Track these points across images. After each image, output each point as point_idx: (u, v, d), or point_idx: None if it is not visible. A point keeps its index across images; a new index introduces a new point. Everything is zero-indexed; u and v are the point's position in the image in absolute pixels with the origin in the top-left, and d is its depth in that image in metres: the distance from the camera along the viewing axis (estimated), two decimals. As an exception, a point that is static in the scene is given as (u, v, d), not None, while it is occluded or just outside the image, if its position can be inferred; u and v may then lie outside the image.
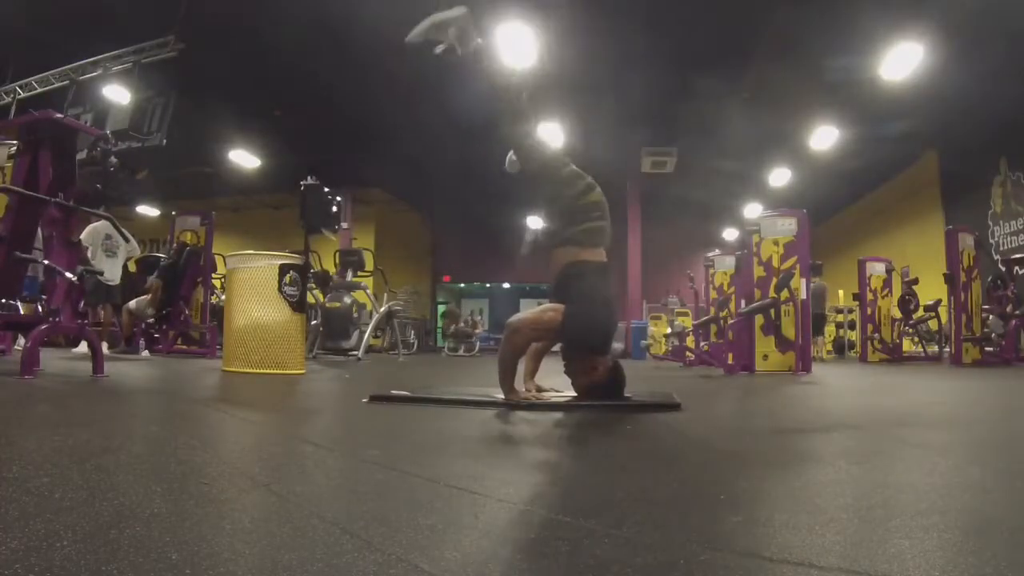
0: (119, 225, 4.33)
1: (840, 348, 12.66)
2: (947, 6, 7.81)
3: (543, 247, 2.77)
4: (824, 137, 11.65)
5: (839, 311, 13.01)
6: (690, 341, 8.91)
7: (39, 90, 10.14)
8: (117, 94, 10.16)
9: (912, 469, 1.44)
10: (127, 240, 4.82)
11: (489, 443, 1.77)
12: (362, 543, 0.78)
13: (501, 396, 2.53)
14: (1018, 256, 8.64)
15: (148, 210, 17.08)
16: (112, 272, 6.93)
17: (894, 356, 9.29)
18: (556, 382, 2.92)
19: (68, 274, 3.43)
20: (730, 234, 17.60)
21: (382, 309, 8.45)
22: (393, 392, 2.74)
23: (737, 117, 10.77)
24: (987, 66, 8.66)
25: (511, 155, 2.90)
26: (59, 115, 3.65)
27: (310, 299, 7.14)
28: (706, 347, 8.10)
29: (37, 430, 1.76)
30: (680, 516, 0.99)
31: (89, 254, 6.66)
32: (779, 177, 14.02)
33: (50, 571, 0.66)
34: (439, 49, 2.57)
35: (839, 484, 1.26)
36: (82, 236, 6.52)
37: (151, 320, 7.28)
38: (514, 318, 2.54)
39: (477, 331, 14.12)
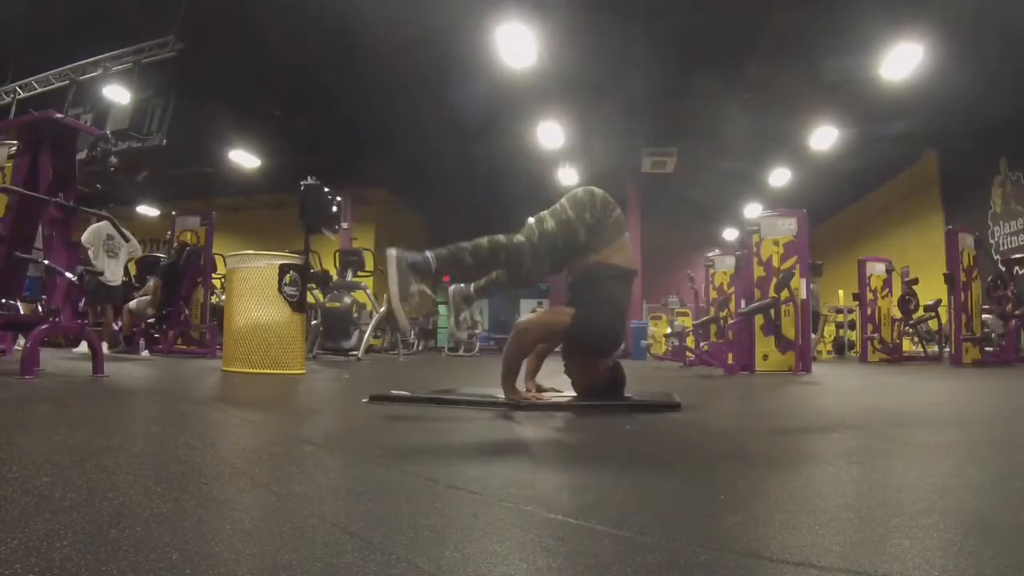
0: (119, 225, 4.33)
1: (840, 348, 12.66)
2: (947, 6, 7.82)
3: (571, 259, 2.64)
4: (824, 137, 11.65)
5: (839, 311, 13.01)
6: (690, 341, 8.91)
7: (39, 90, 10.14)
8: (117, 94, 10.15)
9: (912, 469, 1.44)
10: (127, 240, 4.82)
11: (489, 443, 1.77)
12: (362, 543, 0.78)
13: (501, 396, 2.53)
14: (1018, 256, 8.64)
15: (148, 210, 17.08)
16: (113, 272, 6.93)
17: (894, 356, 9.29)
18: (556, 382, 2.92)
19: (68, 274, 3.43)
20: (730, 234, 17.60)
21: (382, 309, 8.45)
22: (393, 392, 2.73)
23: (737, 117, 10.78)
24: (987, 66, 8.66)
25: (454, 321, 2.84)
26: (59, 115, 3.65)
27: (310, 299, 7.14)
28: (706, 347, 8.10)
29: (37, 430, 1.76)
30: (680, 516, 0.99)
31: (91, 254, 6.67)
32: (779, 177, 14.02)
33: (50, 571, 0.66)
34: (416, 301, 2.39)
35: (839, 484, 1.26)
36: (83, 237, 6.54)
37: (151, 320, 7.28)
38: (523, 320, 2.54)
39: (477, 331, 14.13)
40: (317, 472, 1.29)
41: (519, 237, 2.48)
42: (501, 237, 2.46)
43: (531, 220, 2.52)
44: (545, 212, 2.56)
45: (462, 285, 2.91)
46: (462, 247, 2.43)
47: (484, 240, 2.44)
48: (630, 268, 2.57)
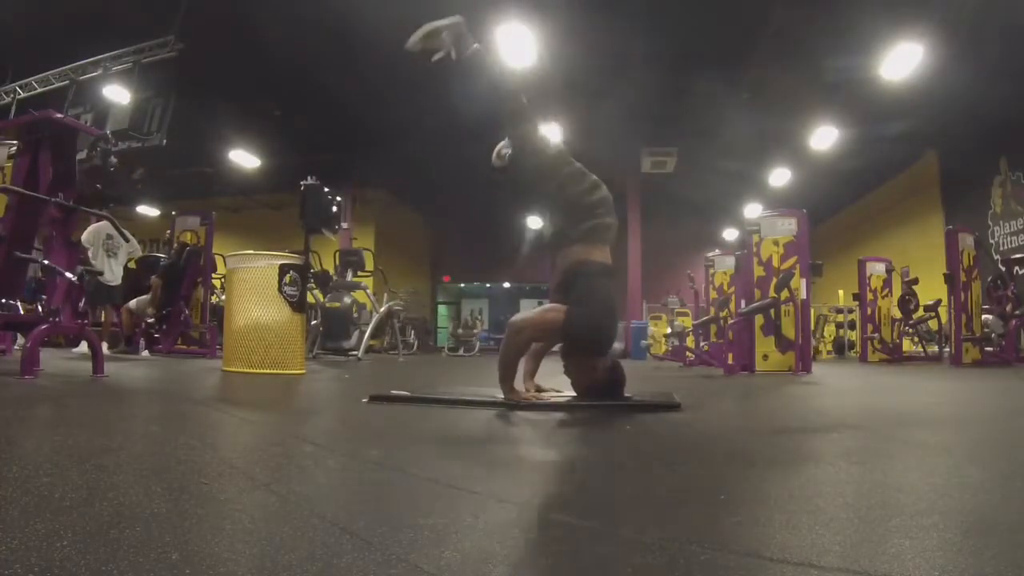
0: (119, 225, 4.33)
1: (840, 348, 12.66)
2: (947, 6, 7.81)
3: (548, 246, 2.75)
4: (824, 137, 11.64)
5: (839, 311, 13.01)
6: (690, 341, 8.91)
7: (39, 90, 10.14)
8: (117, 94, 10.15)
9: (912, 469, 1.44)
10: (127, 240, 4.82)
11: (489, 443, 1.77)
12: (362, 543, 0.78)
13: (501, 396, 2.53)
14: (1018, 256, 8.64)
15: (148, 210, 17.08)
16: (113, 272, 6.94)
17: (894, 356, 9.29)
18: (556, 382, 2.92)
19: (68, 274, 3.43)
20: (730, 234, 17.60)
21: (382, 309, 8.45)
22: (393, 392, 2.73)
23: (737, 117, 10.77)
24: (987, 66, 8.66)
25: (499, 149, 2.89)
26: (59, 115, 3.65)
27: (310, 299, 7.14)
28: (706, 347, 8.11)
29: (37, 430, 1.76)
30: (680, 516, 0.99)
31: (90, 254, 6.67)
32: (779, 177, 14.02)
33: (50, 571, 0.66)
34: (436, 57, 2.58)
35: (839, 484, 1.26)
36: (83, 237, 6.54)
37: (151, 320, 7.28)
38: (516, 318, 2.54)
39: (476, 331, 14.13)
40: (317, 472, 1.29)
41: (533, 123, 2.66)
42: (524, 98, 2.63)
43: (546, 136, 2.68)
44: (560, 147, 2.72)
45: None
46: (500, 67, 2.74)
47: (514, 85, 2.68)
48: (611, 265, 2.62)
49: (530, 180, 2.70)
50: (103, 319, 7.01)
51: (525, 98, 2.61)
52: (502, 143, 2.87)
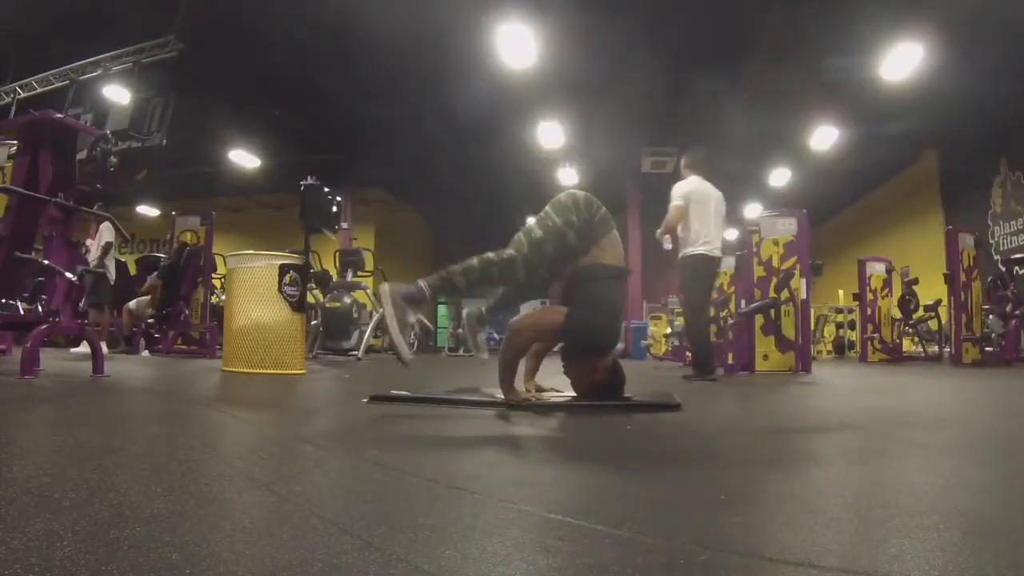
0: (119, 225, 4.33)
1: (840, 348, 12.66)
2: (947, 6, 7.81)
3: (562, 262, 2.64)
4: (824, 137, 11.65)
5: (839, 311, 13.01)
6: (690, 341, 8.90)
7: (39, 90, 10.14)
8: (117, 94, 10.16)
9: (912, 469, 1.44)
10: (127, 241, 4.83)
11: (489, 443, 1.77)
12: (362, 543, 0.78)
13: (501, 396, 2.53)
14: (1018, 256, 8.64)
15: (148, 210, 17.08)
16: (111, 272, 6.95)
17: (894, 356, 9.29)
18: (556, 382, 2.92)
19: (68, 274, 3.43)
20: (730, 234, 17.58)
21: (382, 309, 8.44)
22: (393, 392, 2.74)
23: (737, 117, 10.77)
24: (987, 66, 8.66)
25: (474, 342, 2.94)
26: (59, 115, 3.65)
27: (310, 299, 7.14)
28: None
29: (37, 430, 1.76)
30: (680, 516, 0.99)
31: (111, 255, 6.73)
32: (779, 177, 14.02)
33: (50, 571, 0.66)
34: (415, 335, 2.51)
35: (839, 484, 1.26)
36: (108, 239, 6.59)
37: (151, 320, 7.28)
38: (516, 319, 2.54)
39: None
40: (317, 472, 1.29)
41: (509, 251, 2.49)
42: (491, 254, 2.48)
43: (519, 233, 2.54)
44: (531, 222, 2.59)
45: (475, 308, 2.96)
46: (453, 271, 2.46)
47: (474, 260, 2.46)
48: (621, 267, 2.58)
49: (566, 243, 2.54)
50: (100, 319, 7.00)
51: (487, 254, 2.47)
52: (471, 341, 2.91)
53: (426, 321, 2.30)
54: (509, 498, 1.07)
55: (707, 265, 4.71)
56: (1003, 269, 8.31)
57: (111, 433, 1.70)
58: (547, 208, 2.58)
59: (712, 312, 8.27)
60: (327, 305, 8.10)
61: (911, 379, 5.33)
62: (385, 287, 2.43)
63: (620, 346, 11.57)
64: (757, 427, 2.33)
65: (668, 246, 4.91)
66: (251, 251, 4.90)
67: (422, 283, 2.44)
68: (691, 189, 4.84)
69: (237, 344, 4.38)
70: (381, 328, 8.38)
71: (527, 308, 3.09)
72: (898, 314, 9.68)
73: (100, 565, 0.68)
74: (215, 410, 2.43)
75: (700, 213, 4.78)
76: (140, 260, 8.48)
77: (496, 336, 14.83)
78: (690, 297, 4.77)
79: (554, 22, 8.37)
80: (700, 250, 4.69)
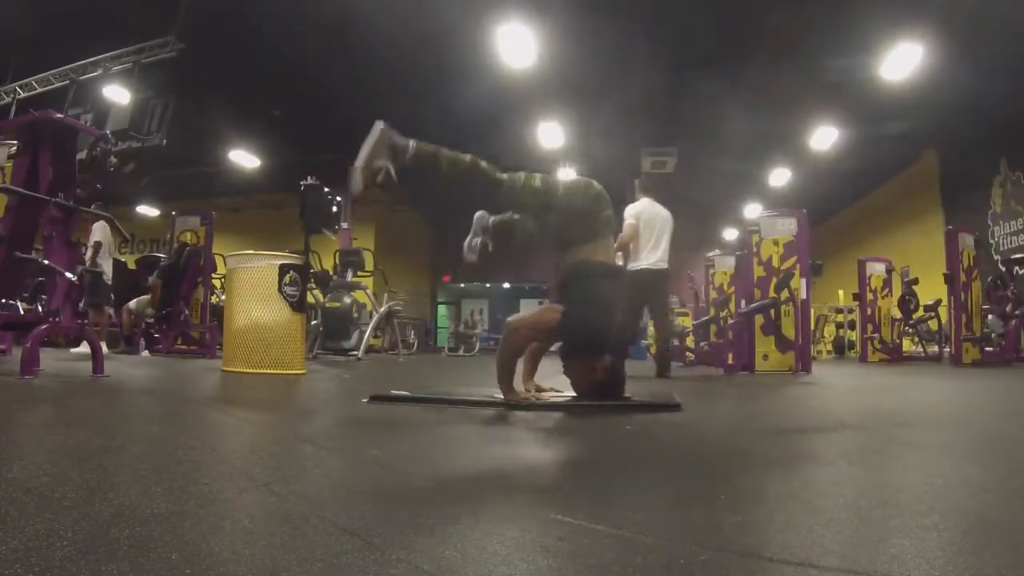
0: (119, 225, 4.33)
1: (840, 348, 12.66)
2: (947, 6, 7.81)
3: (554, 249, 2.73)
4: (824, 137, 11.64)
5: (839, 311, 13.01)
6: (690, 341, 8.90)
7: (39, 90, 10.15)
8: (117, 94, 10.16)
9: (912, 469, 1.44)
10: (127, 240, 4.83)
11: (488, 443, 1.77)
12: (362, 543, 0.78)
13: (500, 396, 2.53)
14: (1018, 256, 8.64)
15: (148, 210, 17.08)
16: (107, 272, 6.94)
17: (894, 356, 9.29)
18: (556, 382, 2.92)
19: (68, 274, 3.43)
20: (730, 234, 17.60)
21: (382, 309, 8.45)
22: (393, 392, 2.74)
23: (737, 117, 10.77)
24: (987, 66, 8.66)
25: (468, 242, 2.93)
26: (59, 115, 3.65)
27: (310, 299, 7.14)
28: (706, 347, 8.10)
29: (37, 430, 1.76)
30: (680, 516, 0.99)
31: (104, 253, 6.71)
32: (779, 177, 14.02)
33: (50, 571, 0.66)
34: (380, 178, 2.43)
35: (839, 484, 1.26)
36: (99, 238, 6.58)
37: (151, 320, 7.28)
38: (513, 318, 2.54)
39: (476, 331, 14.13)
40: (317, 472, 1.29)
41: (503, 175, 2.51)
42: (485, 164, 2.48)
43: (523, 173, 2.57)
44: (539, 175, 2.61)
45: (486, 212, 2.95)
46: (444, 152, 2.45)
47: (467, 157, 2.46)
48: (614, 265, 2.62)
49: (543, 211, 2.61)
50: (100, 319, 7.00)
51: (482, 162, 2.49)
52: (468, 238, 2.94)
53: (394, 176, 2.27)
54: (509, 498, 1.07)
55: (653, 277, 5.19)
56: (1003, 269, 8.31)
57: (111, 433, 1.70)
58: (561, 178, 2.65)
59: (712, 312, 8.30)
60: (327, 305, 8.10)
61: (911, 379, 5.33)
62: (380, 123, 2.44)
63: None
64: (757, 427, 2.33)
65: (620, 262, 5.33)
66: (251, 251, 4.90)
67: (413, 142, 2.45)
68: (641, 210, 5.25)
69: (237, 344, 4.38)
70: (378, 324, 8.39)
71: (526, 308, 3.09)
72: (898, 314, 9.67)
73: (100, 565, 0.68)
74: (215, 410, 2.43)
75: (648, 232, 5.21)
76: (140, 260, 8.47)
77: (481, 330, 14.85)
78: (630, 306, 5.14)
79: (554, 22, 8.37)
80: (643, 264, 5.15)
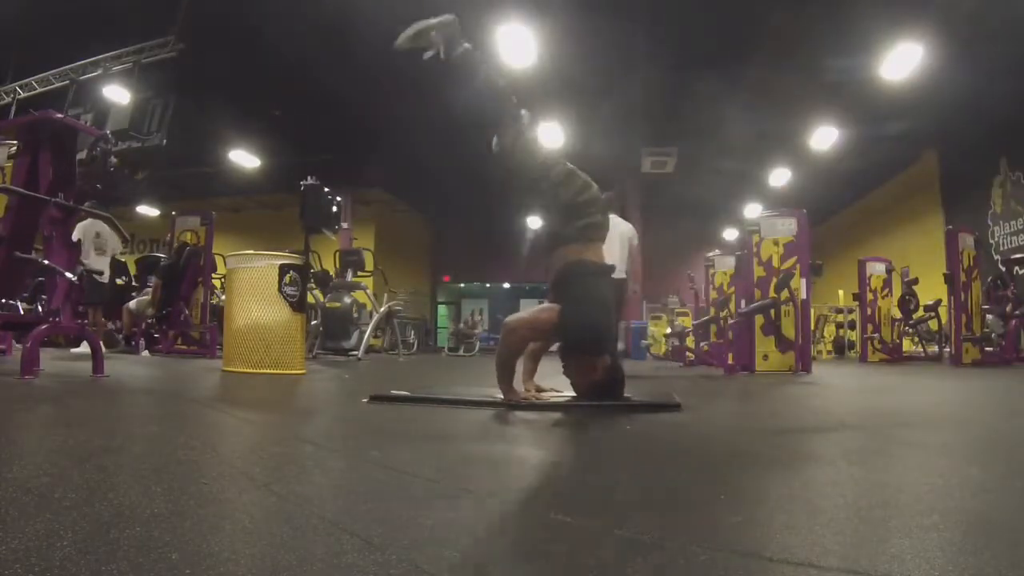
0: (119, 224, 4.33)
1: (840, 348, 12.67)
2: (947, 6, 7.82)
3: (543, 247, 2.77)
4: (824, 137, 11.65)
5: (839, 311, 13.02)
6: (690, 341, 8.91)
7: (39, 90, 10.15)
8: (117, 94, 10.16)
9: (912, 469, 1.44)
10: (127, 240, 4.83)
11: (489, 443, 1.77)
12: (362, 543, 0.78)
13: (500, 396, 2.53)
14: (1018, 256, 8.64)
15: (148, 210, 17.09)
16: (102, 270, 6.92)
17: (894, 356, 9.29)
18: (556, 382, 2.92)
19: (68, 274, 3.43)
20: (730, 234, 17.60)
21: (382, 309, 8.46)
22: (393, 392, 2.73)
23: (737, 117, 10.77)
24: (987, 66, 8.66)
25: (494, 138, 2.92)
26: (59, 115, 3.65)
27: (310, 299, 7.13)
28: (706, 347, 8.10)
29: (37, 430, 1.76)
30: (680, 516, 0.99)
31: (82, 252, 6.66)
32: (779, 177, 14.02)
33: (50, 571, 0.66)
34: (427, 55, 2.56)
35: (839, 484, 1.26)
36: (78, 235, 6.53)
37: (151, 320, 7.28)
38: (511, 318, 2.54)
39: (476, 331, 14.13)
40: (317, 472, 1.29)
41: (523, 123, 2.61)
42: (515, 100, 2.61)
43: (538, 138, 2.69)
44: (549, 150, 2.67)
45: (456, 18, 2.73)
46: (490, 69, 2.65)
47: (504, 85, 2.63)
48: (604, 263, 2.62)
49: (521, 179, 2.70)
50: (96, 319, 6.99)
51: (515, 99, 2.61)
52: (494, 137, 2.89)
53: (442, 52, 2.23)
54: (509, 498, 1.07)
55: (617, 286, 5.44)
56: (1003, 269, 8.31)
57: (111, 433, 1.70)
58: (566, 165, 2.70)
59: (712, 312, 8.31)
60: (327, 305, 8.10)
61: (911, 379, 5.33)
62: (452, 16, 2.61)
63: (621, 346, 11.61)
64: (757, 427, 2.33)
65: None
66: (251, 251, 4.89)
67: (469, 46, 2.63)
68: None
69: (237, 344, 4.38)
70: (378, 324, 8.37)
71: (526, 308, 3.09)
72: (898, 314, 9.67)
73: (100, 565, 0.68)
74: (215, 410, 2.43)
75: (610, 244, 5.49)
76: (140, 260, 8.46)
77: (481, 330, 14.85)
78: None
79: (554, 22, 8.37)
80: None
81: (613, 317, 2.70)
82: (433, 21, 2.53)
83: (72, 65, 9.82)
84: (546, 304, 2.56)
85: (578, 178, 2.66)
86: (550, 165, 2.68)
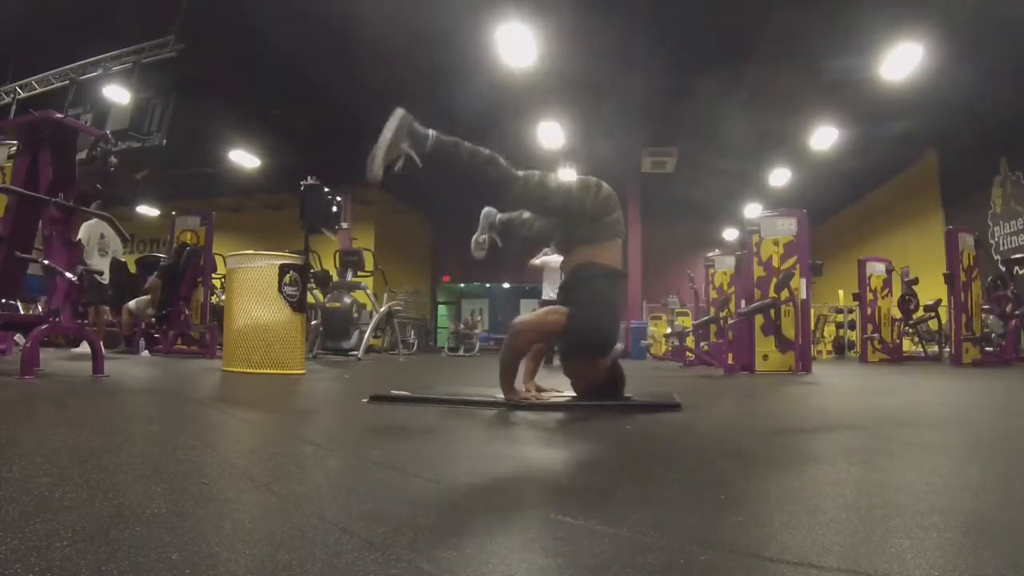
0: (119, 225, 4.33)
1: (840, 348, 12.67)
2: (947, 6, 7.82)
3: (558, 248, 2.76)
4: (824, 137, 11.65)
5: (839, 311, 13.02)
6: (690, 341, 8.91)
7: (39, 90, 10.14)
8: (117, 94, 10.15)
9: (912, 469, 1.44)
10: (127, 241, 4.83)
11: (489, 443, 1.77)
12: (362, 543, 0.78)
13: (501, 396, 2.53)
14: (1018, 256, 8.64)
15: (148, 210, 17.08)
16: (103, 270, 6.92)
17: (894, 356, 9.29)
18: (556, 382, 2.92)
19: (68, 274, 3.43)
20: (730, 234, 17.60)
21: (382, 309, 8.46)
22: (393, 392, 2.73)
23: (737, 117, 10.78)
24: (987, 66, 8.67)
25: (475, 239, 2.97)
26: (59, 115, 3.65)
27: (310, 299, 7.13)
28: (706, 347, 8.10)
29: (37, 430, 1.76)
30: (680, 516, 0.99)
31: (85, 253, 6.66)
32: (779, 177, 14.02)
33: (50, 571, 0.66)
34: (398, 167, 2.42)
35: (839, 484, 1.26)
36: (81, 236, 6.52)
37: (151, 320, 7.28)
38: (517, 320, 2.54)
39: (476, 331, 14.13)
40: (317, 472, 1.29)
41: (519, 172, 2.51)
42: (502, 160, 2.48)
43: (538, 172, 2.57)
44: (553, 174, 2.63)
45: (493, 209, 3.01)
46: (465, 144, 2.46)
47: (486, 151, 2.47)
48: (616, 267, 2.60)
49: (568, 213, 2.61)
50: (96, 319, 6.98)
51: (500, 158, 2.47)
52: (476, 235, 2.98)
53: (416, 159, 2.26)
54: (509, 498, 1.07)
55: None
56: (1003, 269, 8.31)
57: (111, 433, 1.70)
58: (575, 178, 2.65)
59: (712, 312, 8.31)
60: (327, 305, 8.10)
61: (911, 379, 5.33)
62: (401, 110, 2.44)
63: (621, 347, 11.63)
64: (757, 427, 2.33)
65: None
66: (251, 251, 4.90)
67: (433, 132, 2.46)
68: None
69: (237, 344, 4.38)
70: (378, 324, 8.38)
71: (526, 307, 3.11)
72: (898, 314, 9.67)
73: (100, 565, 0.68)
74: (215, 410, 2.43)
75: None
76: (140, 260, 8.45)
77: (481, 330, 14.85)
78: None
79: (554, 22, 8.37)
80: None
81: (620, 321, 2.70)
82: (388, 133, 2.38)
83: (72, 65, 9.81)
84: (553, 307, 2.55)
85: (588, 181, 2.64)
86: (574, 184, 2.62)
